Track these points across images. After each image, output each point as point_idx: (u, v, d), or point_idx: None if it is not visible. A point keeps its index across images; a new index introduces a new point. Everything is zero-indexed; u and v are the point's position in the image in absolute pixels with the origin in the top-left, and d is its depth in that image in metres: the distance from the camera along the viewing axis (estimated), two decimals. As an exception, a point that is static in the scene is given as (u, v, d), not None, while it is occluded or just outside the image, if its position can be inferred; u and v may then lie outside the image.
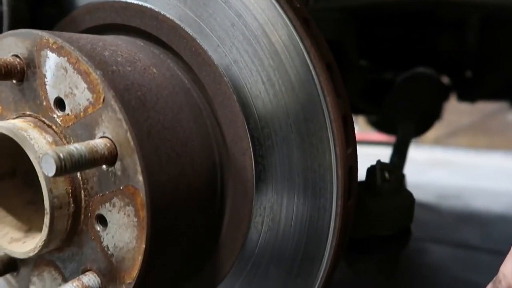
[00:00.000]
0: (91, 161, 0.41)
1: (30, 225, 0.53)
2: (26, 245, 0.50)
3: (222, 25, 0.51)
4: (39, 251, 0.47)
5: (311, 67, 0.47)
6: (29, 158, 0.51)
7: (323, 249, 0.49)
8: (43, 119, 0.48)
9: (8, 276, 0.57)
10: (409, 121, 1.10)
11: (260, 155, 0.51)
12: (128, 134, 0.42)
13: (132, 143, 0.42)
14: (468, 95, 1.60)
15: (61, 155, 0.38)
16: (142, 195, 0.43)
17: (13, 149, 0.52)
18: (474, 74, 1.42)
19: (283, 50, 0.48)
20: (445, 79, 1.49)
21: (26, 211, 0.55)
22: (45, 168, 0.39)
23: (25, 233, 0.53)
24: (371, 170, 0.63)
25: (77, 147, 0.40)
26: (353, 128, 0.51)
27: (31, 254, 0.48)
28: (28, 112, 0.49)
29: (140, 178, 0.42)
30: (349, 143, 0.50)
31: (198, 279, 0.57)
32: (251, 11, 0.49)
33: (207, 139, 0.52)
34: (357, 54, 1.20)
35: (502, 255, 0.43)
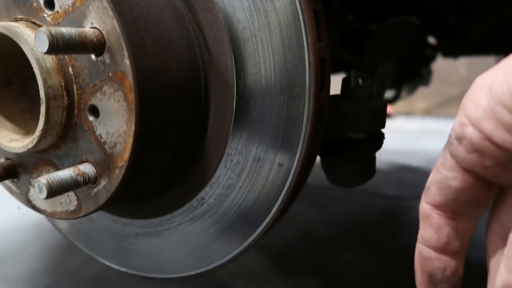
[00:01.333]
0: (80, 44, 0.44)
1: (27, 130, 0.57)
2: (24, 141, 0.53)
3: None
4: (37, 142, 0.51)
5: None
6: (23, 68, 0.55)
7: (299, 133, 0.53)
8: (34, 20, 0.51)
9: (8, 182, 0.61)
10: (389, 59, 1.13)
11: (239, 53, 0.55)
12: (114, 21, 0.46)
13: (118, 29, 0.46)
14: (452, 49, 1.63)
15: (53, 32, 0.42)
16: (130, 79, 0.46)
17: (7, 59, 0.56)
18: (457, 26, 1.45)
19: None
20: (431, 40, 1.52)
21: (23, 118, 0.58)
22: (38, 45, 0.42)
23: (23, 135, 0.56)
24: (346, 78, 0.67)
25: (67, 29, 0.44)
26: (325, 23, 0.54)
27: (30, 146, 0.52)
28: (20, 16, 0.52)
29: (127, 62, 0.46)
30: (321, 38, 0.53)
31: (184, 183, 0.61)
32: None
33: (189, 41, 0.56)
34: (342, 6, 1.23)
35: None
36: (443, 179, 0.38)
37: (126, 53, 0.46)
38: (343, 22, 1.33)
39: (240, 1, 0.53)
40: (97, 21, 0.47)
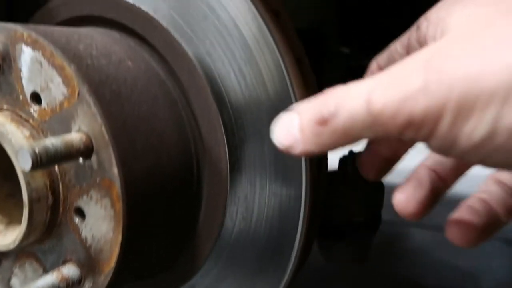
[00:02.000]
0: (66, 155, 0.42)
1: (10, 218, 0.54)
2: (6, 238, 0.51)
3: (195, 18, 0.52)
4: (19, 243, 0.48)
5: (280, 60, 0.48)
6: (6, 153, 0.52)
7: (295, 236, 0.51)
8: (20, 113, 0.49)
9: (-10, 266, 0.58)
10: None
11: (234, 145, 0.53)
12: (103, 128, 0.43)
13: (106, 137, 0.44)
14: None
15: (37, 150, 0.39)
16: (117, 188, 0.44)
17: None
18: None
19: (254, 43, 0.49)
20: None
21: (6, 204, 0.56)
22: (21, 163, 0.40)
23: (5, 226, 0.54)
24: (343, 160, 0.65)
25: (52, 142, 0.41)
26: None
27: (12, 246, 0.49)
28: (5, 106, 0.50)
29: (115, 171, 0.44)
30: (322, 169, 0.52)
31: (175, 269, 0.59)
32: (223, 4, 0.50)
33: (182, 129, 0.54)
34: (338, 42, 1.21)
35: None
36: None
37: (114, 161, 0.44)
38: (339, 57, 1.31)
39: (235, 91, 0.51)
40: (85, 125, 0.45)
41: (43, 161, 0.40)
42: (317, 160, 0.51)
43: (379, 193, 0.66)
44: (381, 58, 0.48)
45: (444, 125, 0.31)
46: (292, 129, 0.37)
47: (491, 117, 0.30)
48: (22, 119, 0.49)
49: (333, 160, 0.69)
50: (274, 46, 0.48)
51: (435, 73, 0.31)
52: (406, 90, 0.31)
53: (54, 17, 0.61)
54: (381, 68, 0.48)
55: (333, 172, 0.69)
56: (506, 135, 0.30)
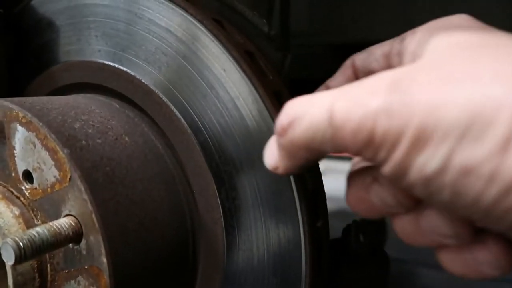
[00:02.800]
0: (54, 244, 0.41)
1: (-1, 290, 0.53)
2: (-9, 315, 0.49)
3: (195, 95, 0.51)
4: (4, 325, 0.47)
5: None
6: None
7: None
8: (12, 189, 0.48)
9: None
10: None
11: (231, 225, 0.51)
12: (93, 215, 0.42)
13: (96, 224, 0.42)
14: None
15: (21, 244, 0.38)
16: (106, 277, 0.42)
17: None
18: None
19: (254, 125, 0.48)
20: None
21: (-4, 274, 0.54)
22: (4, 256, 0.38)
23: (-8, 300, 0.52)
24: (346, 231, 0.63)
25: (39, 232, 0.40)
26: (324, 201, 0.50)
27: (-5, 328, 0.47)
28: (-3, 181, 0.49)
29: (104, 260, 0.42)
30: (319, 216, 0.50)
31: None
32: (223, 84, 0.49)
33: (179, 206, 0.52)
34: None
35: (495, 281, 0.42)
36: None
37: (103, 250, 0.42)
38: None
39: (235, 169, 0.50)
40: (75, 210, 0.43)
41: (28, 254, 0.38)
42: (318, 244, 0.49)
43: (383, 271, 0.63)
44: (358, 57, 0.47)
45: (400, 151, 0.31)
46: (273, 148, 0.38)
47: (444, 152, 0.29)
48: (13, 195, 0.47)
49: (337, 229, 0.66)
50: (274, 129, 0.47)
51: (399, 95, 0.30)
52: (369, 107, 0.31)
53: (56, 81, 0.61)
54: (354, 67, 0.47)
55: (336, 241, 0.66)
56: (454, 175, 0.29)
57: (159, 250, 0.48)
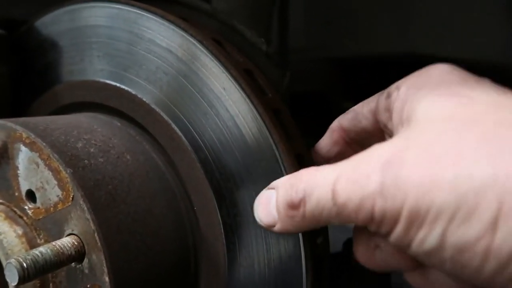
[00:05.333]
0: (56, 264, 0.41)
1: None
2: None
3: (196, 113, 0.52)
4: None
5: (279, 160, 0.47)
6: None
7: None
8: (15, 209, 0.48)
9: None
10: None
11: (232, 242, 0.51)
12: (96, 234, 0.42)
13: (99, 243, 0.42)
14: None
15: (24, 264, 0.38)
16: (108, 296, 0.43)
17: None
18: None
19: (253, 142, 0.49)
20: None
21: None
22: (8, 277, 0.39)
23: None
24: (347, 244, 0.63)
25: (42, 252, 0.40)
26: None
27: None
28: (0, 201, 0.49)
29: (107, 279, 0.42)
30: (319, 233, 0.50)
31: None
32: (223, 102, 0.50)
33: (180, 223, 0.53)
34: (341, 101, 1.21)
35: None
36: None
37: (105, 269, 0.42)
38: (341, 111, 1.30)
39: (235, 185, 0.50)
40: (78, 229, 0.44)
41: (31, 275, 0.39)
42: (317, 260, 0.49)
43: (385, 281, 0.64)
44: (344, 119, 0.49)
45: (399, 228, 0.33)
46: (270, 208, 0.40)
47: (439, 231, 0.31)
48: (16, 215, 0.48)
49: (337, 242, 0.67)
50: (274, 147, 0.48)
51: (391, 177, 0.33)
52: (365, 190, 0.33)
53: (58, 100, 0.62)
54: (344, 130, 0.49)
55: (337, 254, 0.66)
56: (452, 252, 0.31)
57: (161, 267, 0.49)
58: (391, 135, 0.42)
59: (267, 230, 0.41)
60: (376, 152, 0.35)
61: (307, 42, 0.96)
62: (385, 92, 0.43)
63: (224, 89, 0.49)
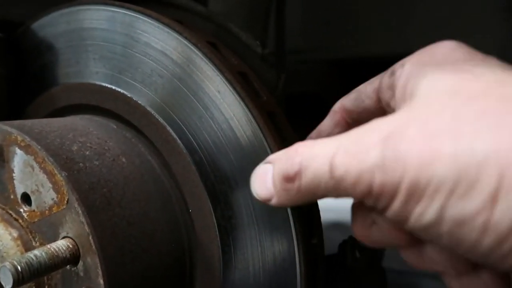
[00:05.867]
0: (51, 267, 0.41)
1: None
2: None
3: (191, 116, 0.52)
4: None
5: None
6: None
7: None
8: (10, 212, 0.48)
9: None
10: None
11: (227, 244, 0.51)
12: (91, 237, 0.43)
13: (94, 246, 0.43)
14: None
15: (19, 268, 0.39)
16: (103, 298, 0.43)
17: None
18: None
19: (248, 145, 0.49)
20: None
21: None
22: (2, 280, 0.39)
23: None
24: (342, 246, 0.63)
25: (37, 255, 0.41)
26: (319, 219, 0.51)
27: None
28: (-4, 203, 0.50)
29: (101, 281, 0.43)
30: (314, 234, 0.50)
31: None
32: (217, 105, 0.50)
33: (176, 226, 0.53)
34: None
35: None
36: None
37: (100, 272, 0.43)
38: None
39: (230, 188, 0.51)
40: (73, 232, 0.44)
41: (26, 278, 0.39)
42: (313, 261, 0.49)
43: (381, 282, 0.64)
44: (347, 99, 0.49)
45: (397, 202, 0.33)
46: (266, 181, 0.40)
47: (437, 205, 0.31)
48: (12, 218, 0.48)
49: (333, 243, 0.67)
50: (268, 150, 0.48)
51: (391, 151, 0.32)
52: (364, 163, 0.33)
53: (55, 102, 0.62)
54: (346, 111, 0.49)
55: (332, 257, 0.67)
56: (450, 226, 0.31)
57: (156, 270, 0.49)
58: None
59: (265, 203, 0.41)
60: (377, 126, 0.35)
61: (304, 43, 0.96)
62: (389, 70, 0.42)
63: (218, 92, 0.50)
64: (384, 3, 0.91)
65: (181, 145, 0.52)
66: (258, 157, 0.49)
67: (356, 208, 0.42)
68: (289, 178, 0.38)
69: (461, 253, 0.33)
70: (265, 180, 0.40)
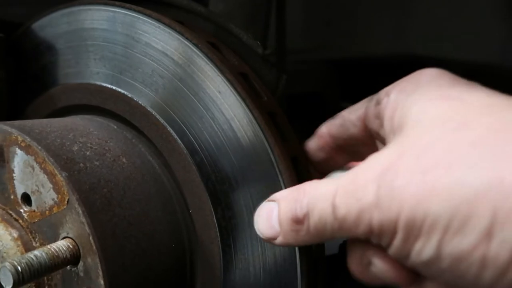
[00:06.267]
0: (52, 267, 0.41)
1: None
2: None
3: (191, 116, 0.52)
4: None
5: (274, 163, 0.48)
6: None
7: None
8: (11, 212, 0.48)
9: None
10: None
11: (228, 244, 0.51)
12: (91, 238, 0.43)
13: (94, 246, 0.43)
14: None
15: (19, 268, 0.39)
16: (103, 299, 0.43)
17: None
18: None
19: (248, 145, 0.49)
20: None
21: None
22: (2, 280, 0.39)
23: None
24: (343, 246, 0.63)
25: (37, 255, 0.40)
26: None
27: None
28: (-4, 203, 0.49)
29: (102, 282, 0.43)
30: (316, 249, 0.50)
31: None
32: (218, 105, 0.50)
33: (176, 225, 0.53)
34: (338, 101, 1.21)
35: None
36: None
37: (100, 272, 0.43)
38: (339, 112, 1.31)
39: (230, 187, 0.51)
40: (73, 232, 0.44)
41: (26, 278, 0.39)
42: (314, 263, 0.49)
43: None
44: (333, 125, 0.49)
45: (398, 240, 0.33)
46: (272, 220, 0.40)
47: (434, 242, 0.31)
48: (12, 218, 0.48)
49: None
50: (269, 150, 0.48)
51: (386, 188, 0.33)
52: (362, 202, 0.34)
53: (55, 103, 0.62)
54: (333, 137, 0.49)
55: (332, 257, 0.66)
56: (449, 262, 0.31)
57: (156, 270, 0.49)
58: (383, 142, 0.41)
59: (268, 242, 0.41)
60: (372, 163, 0.35)
61: (305, 43, 0.96)
62: (374, 99, 0.43)
63: (219, 92, 0.50)
64: (384, 3, 0.91)
65: (182, 145, 0.52)
66: (259, 158, 0.49)
67: (352, 246, 0.41)
68: (298, 220, 0.38)
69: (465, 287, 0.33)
70: (270, 219, 0.41)
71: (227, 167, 0.50)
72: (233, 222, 0.51)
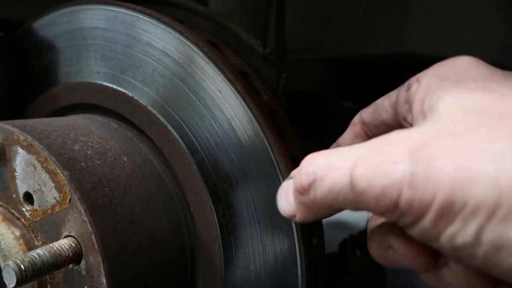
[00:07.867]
0: (54, 265, 0.42)
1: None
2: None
3: (192, 115, 0.52)
4: None
5: (274, 162, 0.48)
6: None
7: None
8: (13, 211, 0.49)
9: None
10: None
11: (229, 243, 0.52)
12: (93, 236, 0.43)
13: (96, 245, 0.43)
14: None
15: (22, 266, 0.39)
16: (105, 297, 0.43)
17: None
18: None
19: (249, 144, 0.49)
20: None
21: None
22: (6, 279, 0.39)
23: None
24: (343, 245, 0.63)
25: (39, 253, 0.41)
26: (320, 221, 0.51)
27: None
28: (-2, 202, 0.50)
29: (104, 280, 0.43)
30: (315, 233, 0.50)
31: None
32: (218, 105, 0.50)
33: (177, 224, 0.53)
34: (338, 101, 1.22)
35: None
36: None
37: (102, 271, 0.43)
38: (340, 111, 1.31)
39: (231, 187, 0.51)
40: (75, 231, 0.44)
41: (29, 276, 0.39)
42: (314, 258, 0.50)
43: (381, 281, 0.64)
44: (365, 112, 0.48)
45: (427, 221, 0.31)
46: (289, 197, 0.39)
47: (474, 227, 0.30)
48: (14, 217, 0.48)
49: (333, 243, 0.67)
50: (269, 149, 0.48)
51: (423, 167, 0.31)
52: (391, 177, 0.31)
53: (56, 102, 0.62)
54: (365, 123, 0.48)
55: (332, 255, 0.67)
56: (486, 249, 0.30)
57: (157, 268, 0.49)
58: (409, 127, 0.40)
59: (292, 220, 0.40)
60: (402, 137, 0.33)
61: (305, 43, 0.96)
62: (405, 84, 0.42)
63: (219, 91, 0.50)
64: (384, 3, 0.91)
65: (182, 144, 0.53)
66: (259, 157, 0.49)
67: (372, 229, 0.41)
68: (302, 190, 0.36)
69: (495, 275, 0.32)
70: (288, 196, 0.39)
71: (228, 166, 0.50)
72: (233, 221, 0.51)
